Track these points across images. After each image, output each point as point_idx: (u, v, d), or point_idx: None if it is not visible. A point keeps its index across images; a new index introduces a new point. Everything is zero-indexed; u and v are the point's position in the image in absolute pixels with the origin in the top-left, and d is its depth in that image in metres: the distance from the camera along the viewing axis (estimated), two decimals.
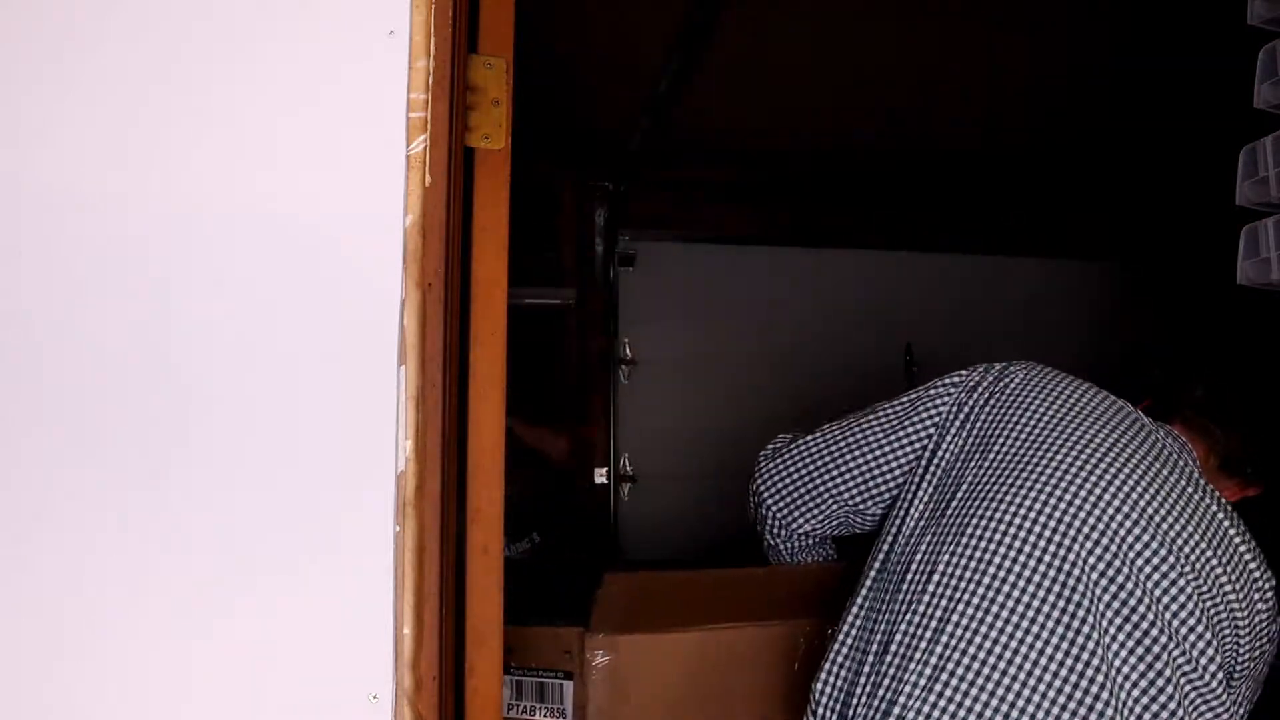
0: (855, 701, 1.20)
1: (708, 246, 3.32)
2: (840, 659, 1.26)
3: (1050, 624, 1.15)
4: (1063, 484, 1.22)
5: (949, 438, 1.35)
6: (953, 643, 1.15)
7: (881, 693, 1.17)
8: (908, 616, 1.19)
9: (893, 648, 1.18)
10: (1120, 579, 1.17)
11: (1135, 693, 1.13)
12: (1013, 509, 1.21)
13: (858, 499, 1.45)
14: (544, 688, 1.69)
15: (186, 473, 0.88)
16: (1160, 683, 1.13)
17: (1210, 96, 2.17)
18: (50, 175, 0.89)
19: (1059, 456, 1.25)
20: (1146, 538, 1.18)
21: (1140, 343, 3.63)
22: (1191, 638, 1.15)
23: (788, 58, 2.43)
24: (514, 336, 1.05)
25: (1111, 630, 1.14)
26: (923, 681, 1.14)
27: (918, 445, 1.40)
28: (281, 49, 0.93)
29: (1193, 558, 1.19)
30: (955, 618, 1.16)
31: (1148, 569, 1.17)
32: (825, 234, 3.39)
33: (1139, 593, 1.16)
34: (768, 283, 3.35)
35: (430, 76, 0.95)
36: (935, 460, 1.34)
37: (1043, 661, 1.13)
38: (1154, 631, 1.14)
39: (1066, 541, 1.18)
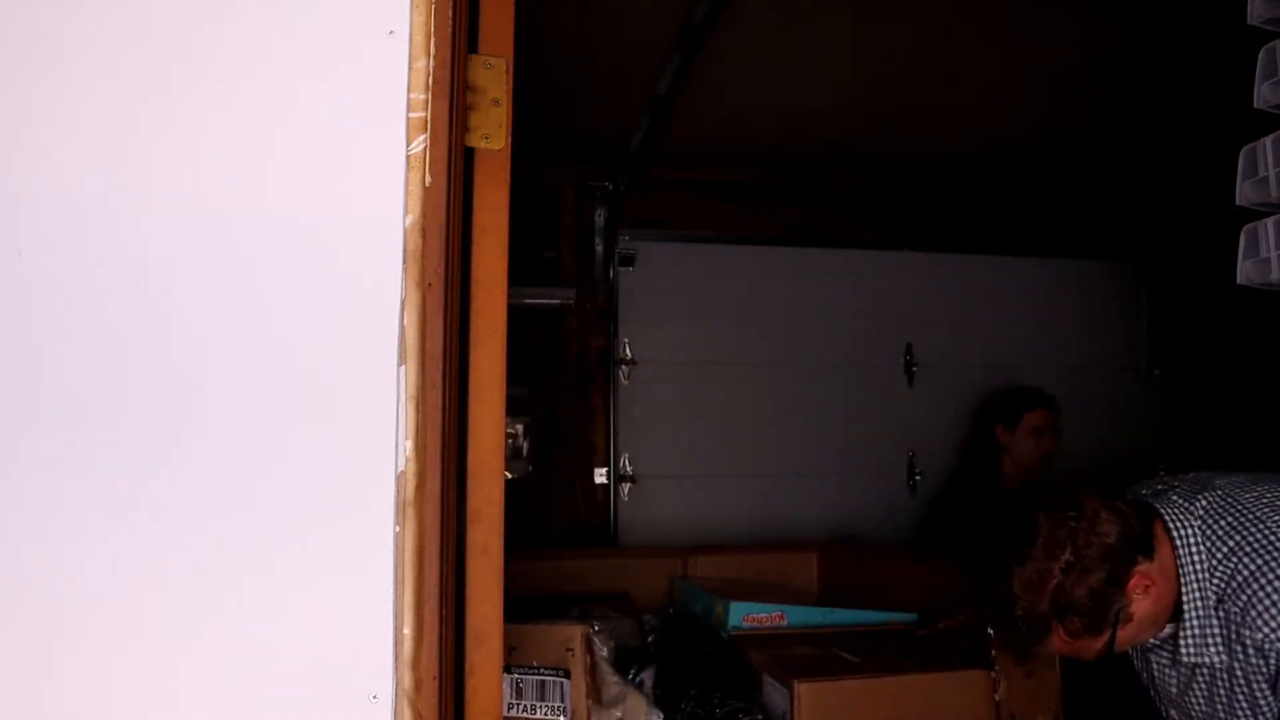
0: None
1: (708, 246, 3.33)
2: None
3: None
4: None
5: None
6: None
7: None
8: None
9: None
10: None
11: None
12: None
13: None
14: (544, 686, 1.69)
15: (185, 473, 0.88)
16: None
17: (1210, 96, 2.17)
18: (53, 175, 0.89)
19: None
20: None
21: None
22: None
23: (787, 59, 2.43)
24: (514, 336, 1.05)
25: None
26: None
27: None
28: (281, 50, 0.93)
29: None
30: None
31: None
32: (825, 234, 3.39)
33: None
34: (768, 283, 3.35)
35: (430, 76, 0.95)
36: None
37: None
38: None
39: None
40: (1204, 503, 1.41)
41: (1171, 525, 1.41)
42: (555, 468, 3.18)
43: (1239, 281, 1.43)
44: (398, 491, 0.90)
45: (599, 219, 3.27)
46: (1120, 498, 1.45)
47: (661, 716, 1.89)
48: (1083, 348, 3.56)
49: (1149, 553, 1.39)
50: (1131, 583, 1.39)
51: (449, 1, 0.97)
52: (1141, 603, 1.40)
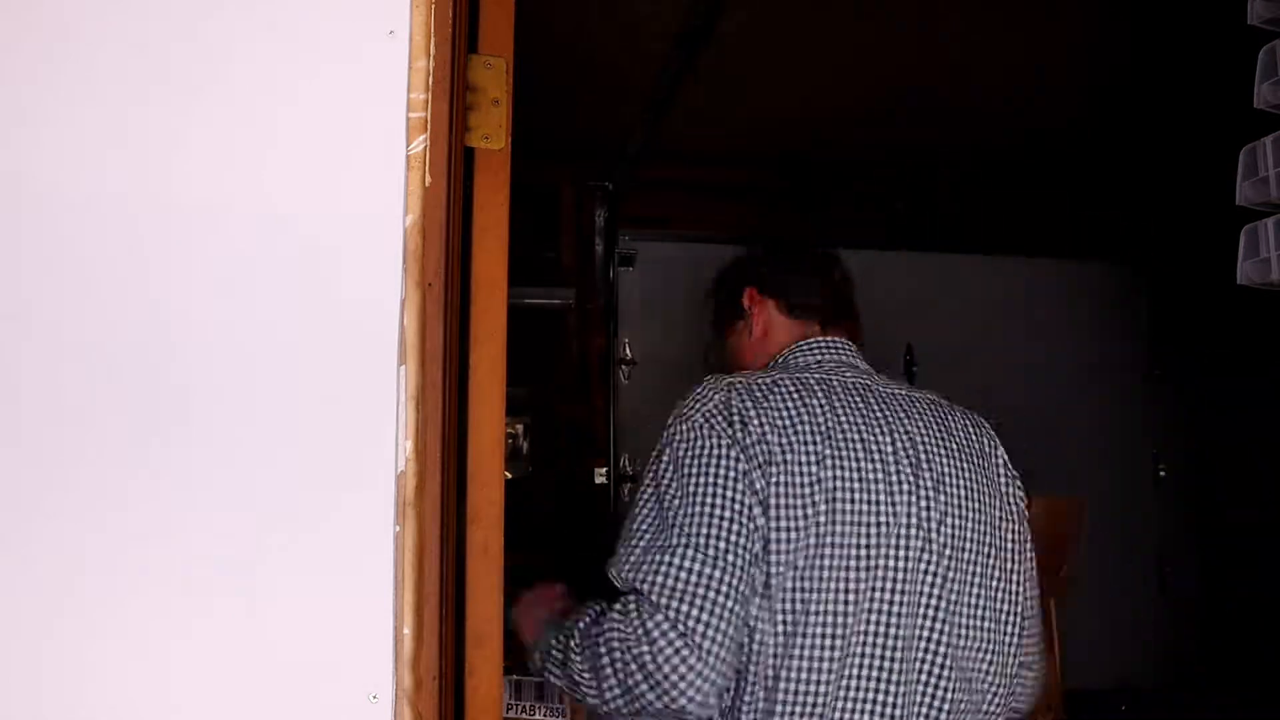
0: None
1: (707, 246, 3.32)
2: None
3: None
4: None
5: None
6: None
7: None
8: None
9: None
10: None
11: None
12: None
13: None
14: (544, 686, 1.69)
15: (185, 471, 0.88)
16: None
17: (1210, 96, 2.17)
18: (50, 174, 0.89)
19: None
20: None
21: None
22: None
23: (787, 59, 2.44)
24: (514, 336, 1.05)
25: None
26: None
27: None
28: (281, 50, 0.93)
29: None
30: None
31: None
32: (826, 234, 3.39)
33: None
34: None
35: (430, 76, 0.95)
36: None
37: None
38: None
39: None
40: None
41: None
42: (555, 468, 3.18)
43: (1239, 281, 1.44)
44: (398, 491, 0.90)
45: (599, 219, 3.27)
46: None
47: None
48: (1083, 348, 3.56)
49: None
50: None
51: (449, 1, 0.97)
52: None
